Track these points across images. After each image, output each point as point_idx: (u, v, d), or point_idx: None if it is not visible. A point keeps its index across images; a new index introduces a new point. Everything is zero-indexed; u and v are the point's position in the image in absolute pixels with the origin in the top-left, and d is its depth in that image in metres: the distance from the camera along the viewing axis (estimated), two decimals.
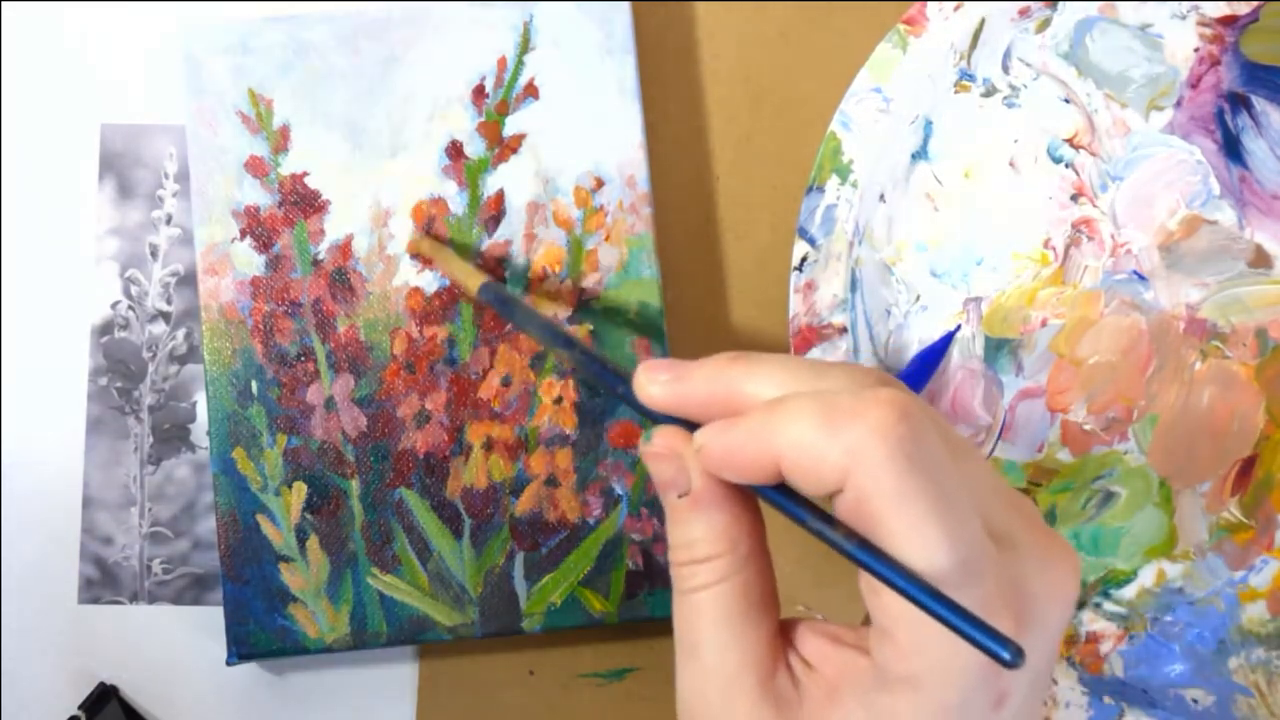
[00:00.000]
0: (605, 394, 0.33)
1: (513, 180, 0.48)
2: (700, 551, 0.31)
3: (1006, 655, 0.26)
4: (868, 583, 0.29)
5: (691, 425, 0.31)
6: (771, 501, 0.30)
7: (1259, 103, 0.49)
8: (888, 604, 0.29)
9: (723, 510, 0.31)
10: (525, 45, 0.49)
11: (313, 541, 0.47)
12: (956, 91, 0.49)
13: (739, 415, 0.30)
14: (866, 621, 0.30)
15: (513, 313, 0.42)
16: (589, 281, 0.48)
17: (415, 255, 0.48)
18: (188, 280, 0.51)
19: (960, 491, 0.28)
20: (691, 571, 0.32)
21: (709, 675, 0.31)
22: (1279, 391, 0.48)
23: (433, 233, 0.48)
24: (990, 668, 0.28)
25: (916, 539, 0.27)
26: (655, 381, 0.31)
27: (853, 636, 0.31)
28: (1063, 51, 0.49)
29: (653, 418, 0.32)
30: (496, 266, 0.48)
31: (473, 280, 0.44)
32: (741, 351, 0.31)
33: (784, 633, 0.32)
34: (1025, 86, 0.49)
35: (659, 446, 0.31)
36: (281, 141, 0.48)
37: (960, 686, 0.28)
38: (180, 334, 0.51)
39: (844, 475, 0.28)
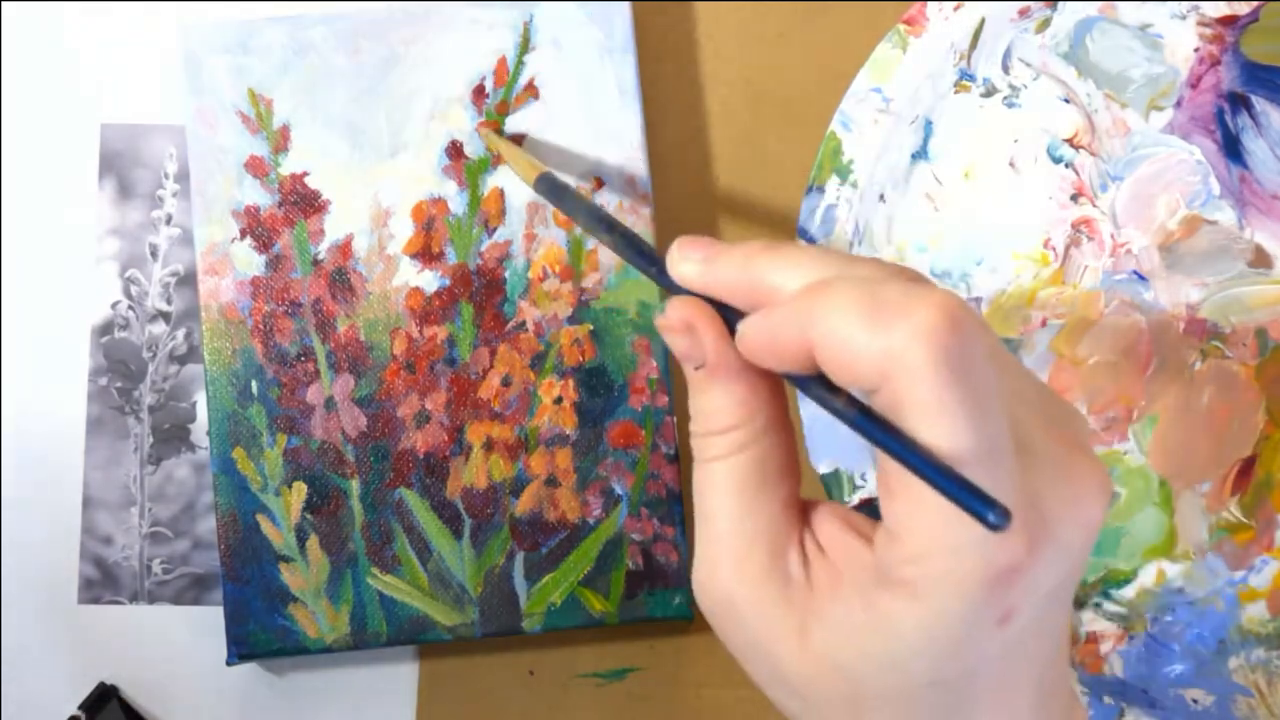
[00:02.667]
0: (644, 277, 0.33)
1: (513, 180, 0.48)
2: (717, 422, 0.31)
3: (991, 517, 0.25)
4: (883, 482, 0.28)
5: (716, 300, 0.31)
6: (789, 379, 0.29)
7: (1259, 103, 0.49)
8: (898, 508, 0.28)
9: (741, 381, 0.30)
10: (525, 45, 0.49)
11: (313, 541, 0.47)
12: (956, 91, 0.49)
13: (766, 304, 0.29)
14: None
15: (564, 201, 0.42)
16: (589, 281, 0.48)
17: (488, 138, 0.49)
18: (188, 280, 0.51)
19: (996, 401, 0.27)
20: (709, 442, 0.31)
21: (720, 545, 0.31)
22: (1279, 391, 0.48)
23: (496, 129, 0.49)
24: (997, 581, 0.27)
25: (941, 433, 0.26)
26: (687, 259, 0.31)
27: (867, 528, 0.30)
28: (1063, 51, 0.49)
29: (678, 294, 0.31)
30: (496, 266, 0.48)
31: (530, 172, 0.44)
32: (776, 241, 0.30)
33: (804, 512, 0.31)
34: (1025, 86, 0.49)
35: (671, 319, 0.31)
36: (281, 141, 0.48)
37: (963, 595, 0.27)
38: (180, 334, 0.51)
39: (882, 378, 0.27)
